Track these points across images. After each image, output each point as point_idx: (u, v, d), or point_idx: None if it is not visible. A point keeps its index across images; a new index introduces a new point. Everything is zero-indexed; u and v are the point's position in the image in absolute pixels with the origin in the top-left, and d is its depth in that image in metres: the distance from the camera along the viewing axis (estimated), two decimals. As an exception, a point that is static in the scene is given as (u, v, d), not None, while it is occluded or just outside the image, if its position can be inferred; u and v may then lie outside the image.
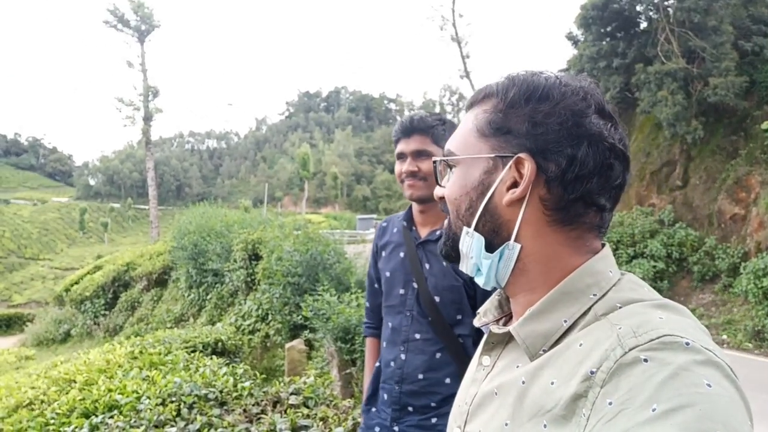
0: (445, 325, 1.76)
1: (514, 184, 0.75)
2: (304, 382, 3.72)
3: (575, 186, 0.72)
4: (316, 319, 5.32)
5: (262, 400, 3.39)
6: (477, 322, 0.89)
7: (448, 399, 1.70)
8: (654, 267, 13.49)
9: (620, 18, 16.32)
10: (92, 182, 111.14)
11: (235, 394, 3.49)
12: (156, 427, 2.96)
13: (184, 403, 3.27)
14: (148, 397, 3.38)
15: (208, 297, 11.04)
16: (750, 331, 11.01)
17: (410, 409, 1.79)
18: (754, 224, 12.53)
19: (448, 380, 1.74)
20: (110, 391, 3.66)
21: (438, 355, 1.76)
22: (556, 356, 0.69)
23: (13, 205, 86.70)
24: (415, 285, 1.83)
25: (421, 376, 1.77)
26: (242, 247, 9.68)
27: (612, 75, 16.52)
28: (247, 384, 3.61)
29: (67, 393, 3.96)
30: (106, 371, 4.41)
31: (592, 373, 0.62)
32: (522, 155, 0.74)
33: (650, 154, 16.08)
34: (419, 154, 1.82)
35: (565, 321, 0.71)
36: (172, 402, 3.27)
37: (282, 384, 3.77)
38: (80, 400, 3.59)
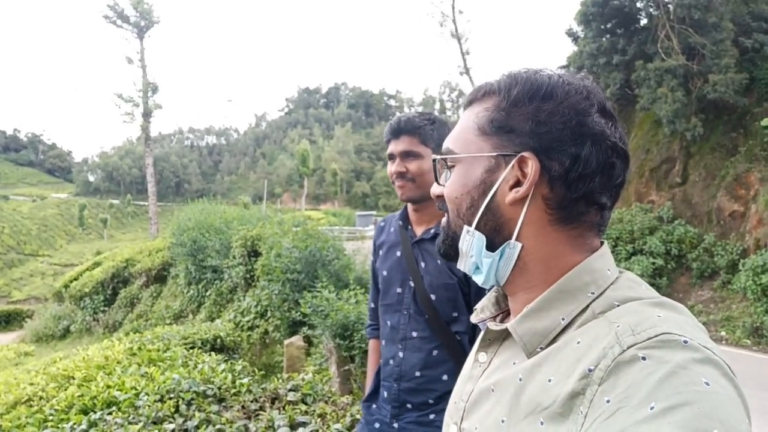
0: (442, 323, 1.77)
1: (517, 183, 0.75)
2: (303, 379, 3.73)
3: (578, 185, 0.72)
4: (315, 315, 5.32)
5: (260, 397, 3.40)
6: (474, 319, 0.89)
7: (446, 396, 1.71)
8: (653, 264, 13.50)
9: (620, 14, 16.28)
10: (91, 178, 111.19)
11: (233, 391, 3.49)
12: (154, 423, 2.97)
13: (183, 399, 3.27)
14: (147, 394, 3.38)
15: (207, 293, 11.05)
16: (748, 328, 11.02)
17: (409, 406, 1.80)
18: (754, 221, 12.54)
19: (445, 377, 1.75)
20: (109, 387, 3.67)
21: (435, 352, 1.78)
22: (554, 354, 0.69)
23: (13, 201, 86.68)
24: (412, 283, 1.84)
25: (418, 374, 1.78)
26: (241, 244, 9.68)
27: (612, 72, 16.50)
28: (245, 380, 3.61)
29: (65, 389, 3.96)
30: (105, 368, 4.42)
31: (590, 370, 0.62)
32: (526, 154, 0.73)
33: (650, 151, 16.07)
34: (407, 155, 1.84)
35: (563, 319, 0.71)
36: (170, 398, 3.28)
37: (280, 380, 3.78)
38: (79, 396, 3.60)
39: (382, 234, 2.07)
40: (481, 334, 0.84)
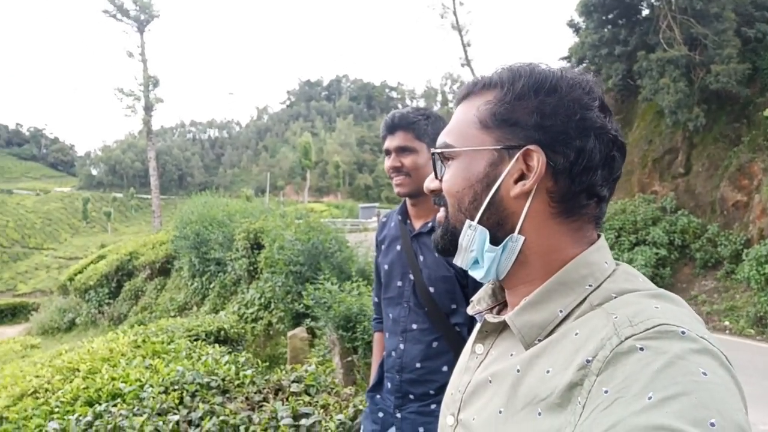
0: (441, 315, 1.79)
1: (521, 177, 0.75)
2: (306, 370, 3.75)
3: (582, 178, 0.73)
4: (318, 307, 5.34)
5: (263, 388, 3.42)
6: (470, 311, 0.89)
7: (446, 386, 1.73)
8: (656, 254, 13.47)
9: (622, 5, 16.17)
10: (94, 172, 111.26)
11: (237, 382, 3.52)
12: (159, 415, 2.99)
13: (187, 391, 3.29)
14: (151, 386, 3.41)
15: (211, 286, 11.07)
16: (752, 318, 11.01)
17: (411, 396, 1.83)
18: (757, 211, 12.50)
19: (445, 368, 1.77)
20: (113, 379, 3.69)
21: (435, 344, 1.80)
22: (552, 345, 0.69)
23: (16, 195, 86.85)
24: (412, 277, 1.86)
25: (418, 365, 1.81)
26: (244, 236, 9.69)
27: (614, 62, 16.41)
28: (249, 372, 3.64)
29: (71, 381, 3.99)
30: (110, 360, 4.44)
31: (588, 361, 0.62)
32: (531, 147, 0.74)
33: (652, 142, 16.02)
34: (402, 150, 1.87)
35: (561, 311, 0.71)
36: (174, 390, 3.30)
37: (284, 372, 3.80)
38: (84, 388, 3.63)
39: (383, 230, 2.10)
40: (478, 325, 0.84)
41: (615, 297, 0.69)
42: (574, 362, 0.64)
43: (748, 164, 13.20)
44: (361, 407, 3.02)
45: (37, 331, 17.05)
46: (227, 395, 3.36)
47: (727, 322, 11.39)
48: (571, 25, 18.42)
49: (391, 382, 1.88)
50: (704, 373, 0.55)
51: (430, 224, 1.85)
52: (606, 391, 0.58)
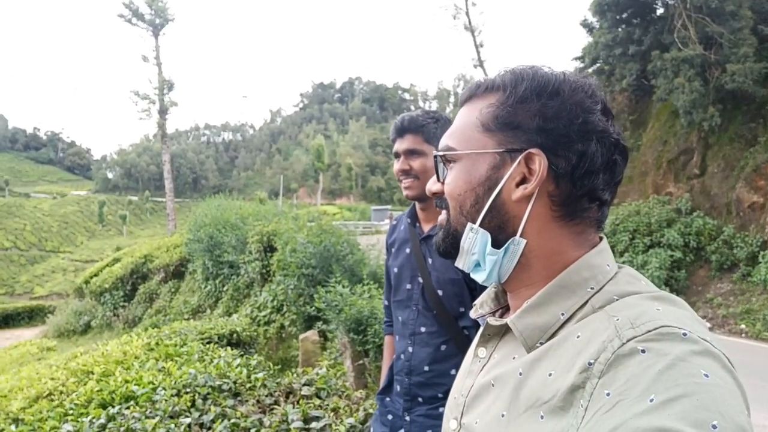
0: (449, 318, 1.79)
1: (523, 180, 0.75)
2: (317, 374, 3.75)
3: (583, 182, 0.73)
4: (329, 310, 5.35)
5: (275, 391, 3.43)
6: (473, 314, 0.90)
7: None
8: (671, 256, 13.34)
9: (636, 4, 16.06)
10: (110, 175, 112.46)
11: (248, 385, 3.52)
12: (171, 417, 3.01)
13: (199, 394, 3.31)
14: (164, 388, 3.43)
15: (225, 288, 11.13)
16: (769, 321, 10.88)
17: (420, 399, 1.83)
18: (774, 212, 12.35)
19: (453, 371, 1.76)
20: (127, 382, 3.72)
21: (443, 347, 1.80)
22: (554, 348, 0.69)
23: (34, 198, 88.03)
24: (420, 280, 1.86)
25: (427, 368, 1.81)
26: (257, 239, 9.73)
27: (628, 62, 16.30)
28: (260, 375, 3.64)
29: (85, 384, 4.03)
30: (123, 363, 4.48)
31: (589, 364, 0.62)
32: (533, 150, 0.74)
33: (667, 142, 15.87)
34: (411, 153, 1.87)
35: (563, 314, 0.71)
36: (186, 393, 3.32)
37: (295, 375, 3.80)
38: (98, 391, 3.66)
39: (393, 233, 2.11)
40: (481, 329, 0.84)
41: (617, 299, 0.69)
42: (576, 365, 0.64)
43: (765, 165, 13.04)
44: (371, 411, 3.02)
45: (53, 333, 17.22)
46: (239, 398, 3.37)
47: (743, 326, 11.24)
48: (585, 24, 18.32)
49: (400, 385, 1.88)
50: (706, 375, 0.55)
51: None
52: (608, 394, 0.58)
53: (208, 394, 3.32)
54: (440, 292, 1.80)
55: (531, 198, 0.74)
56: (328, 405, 3.18)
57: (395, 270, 1.99)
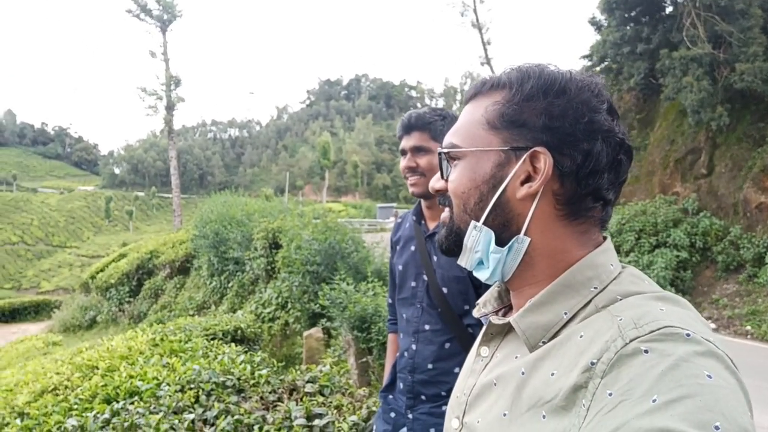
0: (454, 316, 1.79)
1: (528, 178, 0.75)
2: (321, 371, 3.76)
3: (588, 181, 0.73)
4: (333, 307, 5.35)
5: (278, 388, 3.43)
6: (476, 313, 0.89)
7: None
8: (677, 257, 13.28)
9: (645, 2, 15.98)
10: (117, 171, 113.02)
11: (252, 382, 3.53)
12: (175, 413, 3.02)
13: (203, 390, 3.32)
14: (168, 384, 3.44)
15: (230, 285, 11.15)
16: (775, 322, 10.82)
17: (423, 397, 1.83)
18: (782, 213, 12.28)
19: (457, 370, 1.76)
20: (131, 377, 3.73)
21: (447, 345, 1.80)
22: (557, 347, 0.69)
23: (41, 193, 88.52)
24: (425, 277, 1.86)
25: (430, 366, 1.81)
26: (263, 236, 9.75)
27: (636, 61, 16.23)
28: (264, 372, 3.65)
29: (90, 379, 4.04)
30: (128, 358, 4.49)
31: (592, 364, 0.62)
32: (538, 149, 0.73)
33: (674, 142, 15.79)
34: (418, 150, 1.88)
35: (566, 313, 0.71)
36: (190, 389, 3.33)
37: (298, 372, 3.81)
38: (102, 386, 3.68)
39: (398, 231, 2.11)
40: (484, 328, 0.84)
41: (620, 299, 0.69)
42: (579, 364, 0.63)
43: (773, 165, 12.96)
44: (374, 408, 3.02)
45: (59, 328, 17.30)
46: (242, 394, 3.38)
47: (748, 327, 11.19)
48: (593, 22, 18.25)
49: (404, 383, 1.88)
50: (709, 376, 0.55)
51: None
52: (610, 394, 0.58)
53: (212, 390, 3.33)
54: (445, 290, 1.80)
55: (536, 196, 0.74)
56: (331, 402, 3.19)
57: (400, 267, 1.99)
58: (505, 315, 0.86)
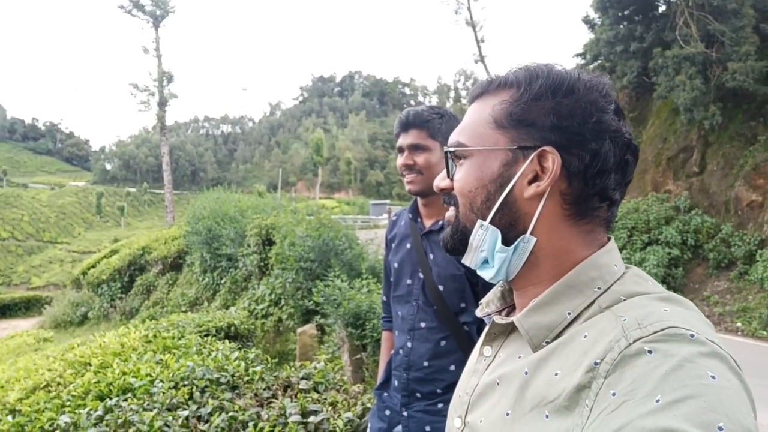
0: (450, 314, 1.78)
1: (535, 178, 0.75)
2: (315, 367, 3.75)
3: (596, 181, 0.73)
4: (328, 304, 5.35)
5: (272, 385, 3.43)
6: (479, 313, 0.89)
7: (454, 386, 1.74)
8: (669, 254, 13.37)
9: (638, 1, 16.04)
10: (108, 167, 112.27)
11: (246, 378, 3.52)
12: (169, 410, 3.00)
13: (197, 386, 3.31)
14: (161, 381, 3.43)
15: (222, 281, 11.14)
16: (765, 319, 10.91)
17: (418, 395, 1.82)
18: (772, 211, 12.37)
19: (452, 367, 1.76)
20: (124, 374, 3.72)
21: (443, 342, 1.79)
22: (560, 348, 0.69)
23: (32, 189, 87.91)
24: (421, 275, 1.86)
25: (426, 364, 1.80)
26: (256, 232, 9.74)
27: (629, 59, 16.30)
28: (258, 368, 3.64)
29: (82, 375, 4.02)
30: (121, 354, 4.47)
31: (596, 364, 0.62)
32: (547, 148, 0.73)
33: (667, 140, 15.88)
34: (415, 148, 1.86)
35: (569, 313, 0.71)
36: (184, 385, 3.32)
37: (293, 369, 3.80)
38: (95, 382, 3.66)
39: (394, 228, 2.10)
40: (486, 328, 0.84)
41: (624, 299, 0.69)
42: (583, 364, 0.63)
43: (764, 164, 13.06)
44: (369, 405, 3.02)
45: (50, 324, 17.22)
46: (236, 391, 3.37)
47: (739, 324, 11.29)
48: (587, 21, 18.31)
49: (399, 380, 1.87)
50: (713, 377, 0.55)
51: (440, 222, 1.84)
52: (614, 394, 0.58)
53: (206, 386, 3.32)
54: (441, 288, 1.80)
55: (543, 196, 0.74)
56: (326, 399, 3.18)
57: (395, 265, 1.98)
58: (508, 315, 0.86)
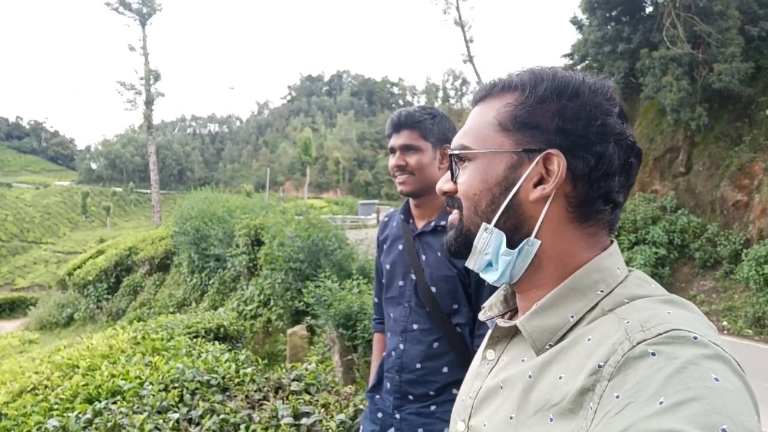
0: (443, 315, 1.77)
1: (540, 181, 0.75)
2: (306, 369, 3.74)
3: (600, 184, 0.73)
4: (318, 305, 5.34)
5: (264, 387, 3.41)
6: (482, 316, 0.89)
7: (446, 387, 1.75)
8: (655, 253, 13.49)
9: (626, 2, 16.16)
10: (94, 166, 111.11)
11: (237, 380, 3.51)
12: (159, 412, 2.98)
13: (187, 389, 3.28)
14: (151, 383, 3.40)
15: (211, 282, 11.08)
16: (750, 318, 11.04)
17: (410, 397, 1.81)
18: (757, 211, 12.50)
19: (445, 369, 1.76)
20: (113, 376, 3.68)
21: (435, 344, 1.78)
22: (564, 351, 0.69)
23: (16, 189, 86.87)
24: (413, 276, 1.85)
25: (419, 366, 1.79)
26: (244, 233, 9.70)
27: (616, 60, 16.40)
28: (249, 370, 3.62)
29: (70, 378, 3.98)
30: (109, 357, 4.43)
31: (599, 366, 0.62)
32: (552, 151, 0.73)
33: (654, 140, 16.01)
34: (407, 149, 1.85)
35: (572, 316, 0.71)
36: (174, 388, 3.29)
37: (284, 370, 3.79)
38: (83, 385, 3.62)
39: (385, 229, 2.09)
40: (489, 331, 0.84)
41: (627, 302, 0.69)
42: (586, 367, 0.63)
43: (749, 164, 13.20)
44: (361, 407, 3.01)
45: (36, 326, 17.06)
46: (227, 393, 3.35)
47: (725, 322, 11.41)
48: (575, 22, 18.41)
49: (391, 383, 1.86)
50: (716, 379, 0.55)
51: (433, 223, 1.84)
52: (617, 396, 0.58)
53: (197, 389, 3.30)
54: (434, 289, 1.79)
55: (548, 199, 0.74)
56: (317, 401, 3.17)
57: (387, 266, 1.97)
58: (511, 318, 0.86)
